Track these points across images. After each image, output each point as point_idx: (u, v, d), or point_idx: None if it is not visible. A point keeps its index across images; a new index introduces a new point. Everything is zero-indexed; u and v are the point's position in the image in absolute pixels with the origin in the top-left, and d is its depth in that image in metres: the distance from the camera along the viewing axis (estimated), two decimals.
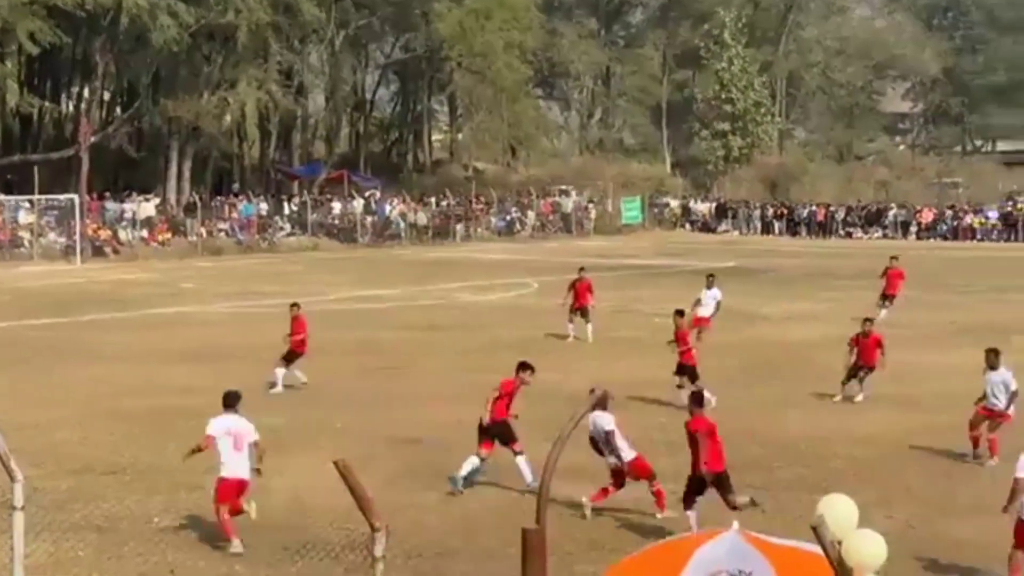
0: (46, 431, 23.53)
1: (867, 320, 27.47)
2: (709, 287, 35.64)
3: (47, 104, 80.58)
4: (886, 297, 39.90)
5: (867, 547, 7.59)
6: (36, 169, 67.01)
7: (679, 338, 26.96)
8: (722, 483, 17.23)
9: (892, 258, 41.49)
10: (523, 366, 20.69)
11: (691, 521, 16.80)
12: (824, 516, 7.57)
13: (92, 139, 71.05)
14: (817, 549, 7.74)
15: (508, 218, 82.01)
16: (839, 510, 7.65)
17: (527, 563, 7.91)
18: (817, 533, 7.54)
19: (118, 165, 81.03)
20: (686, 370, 26.45)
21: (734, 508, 16.77)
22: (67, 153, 73.01)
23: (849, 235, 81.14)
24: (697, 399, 18.07)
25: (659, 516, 17.96)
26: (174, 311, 43.07)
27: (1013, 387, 21.67)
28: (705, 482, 17.14)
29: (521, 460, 19.68)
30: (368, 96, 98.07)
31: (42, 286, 51.51)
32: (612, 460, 18.33)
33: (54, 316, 41.18)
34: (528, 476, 19.42)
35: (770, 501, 18.83)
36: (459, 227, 78.47)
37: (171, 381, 29.18)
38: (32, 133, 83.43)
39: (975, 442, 21.59)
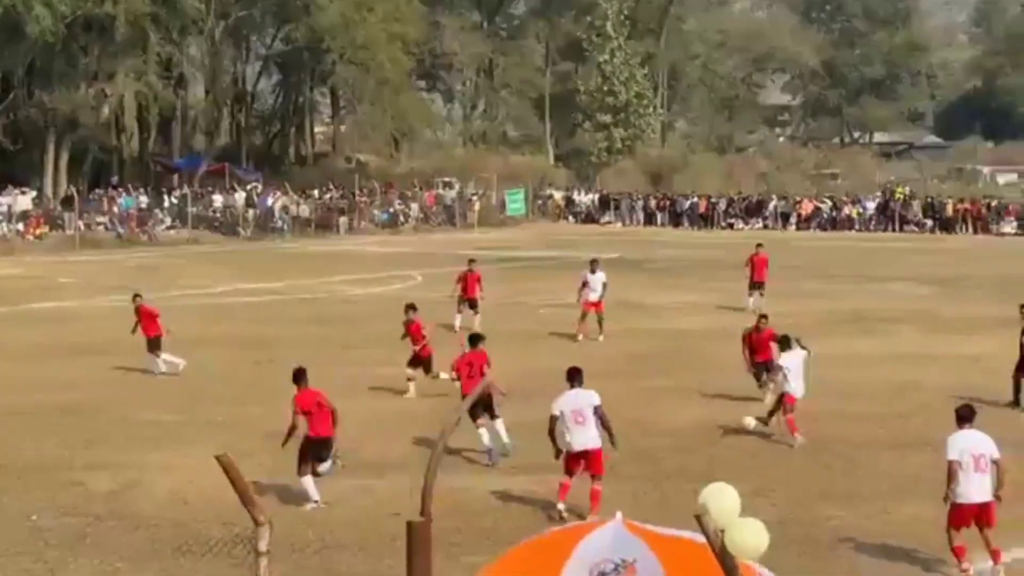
0: None
1: (762, 317, 27.49)
2: (593, 271, 35.95)
3: None
4: (755, 285, 40.08)
5: (749, 535, 7.66)
6: None
7: (413, 333, 26.97)
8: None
9: (757, 245, 41.61)
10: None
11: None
12: (707, 505, 7.62)
13: None
14: (701, 538, 7.80)
15: (391, 211, 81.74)
16: (722, 499, 7.71)
17: (413, 555, 7.90)
18: (700, 522, 7.59)
19: None
20: (422, 363, 26.83)
21: None
22: None
23: (731, 226, 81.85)
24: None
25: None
26: (52, 306, 42.46)
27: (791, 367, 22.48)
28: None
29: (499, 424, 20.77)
30: (249, 88, 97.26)
31: None
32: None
33: None
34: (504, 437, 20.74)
35: (654, 491, 18.99)
36: (342, 220, 78.02)
37: (50, 377, 28.78)
38: None
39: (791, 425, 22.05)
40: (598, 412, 17.93)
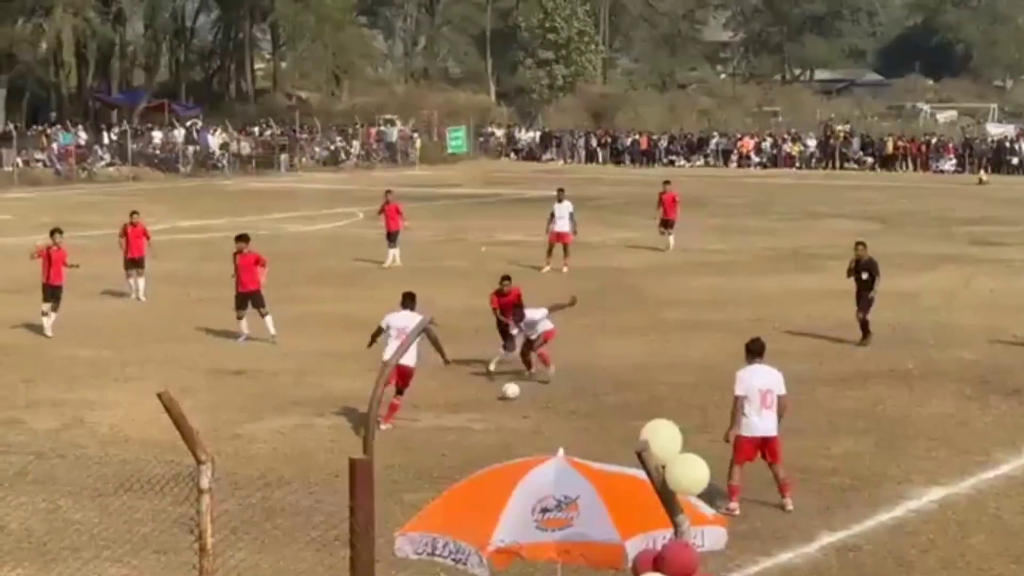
0: None
1: (505, 279, 24.22)
2: (560, 200, 36.08)
3: None
4: (665, 223, 39.80)
5: (690, 471, 7.73)
6: None
7: (242, 265, 26.50)
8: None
9: (665, 183, 41.33)
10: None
11: None
12: (648, 442, 7.69)
13: None
14: (642, 474, 7.87)
15: (332, 148, 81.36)
16: (662, 435, 7.77)
17: (355, 493, 7.93)
18: (641, 458, 7.66)
19: None
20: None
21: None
22: None
23: (672, 163, 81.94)
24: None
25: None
26: None
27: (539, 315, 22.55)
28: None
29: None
30: (188, 23, 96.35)
31: None
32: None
33: None
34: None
35: (595, 427, 19.11)
36: (283, 157, 77.58)
37: None
38: None
39: None
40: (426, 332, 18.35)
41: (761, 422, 15.35)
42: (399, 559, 9.55)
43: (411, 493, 15.03)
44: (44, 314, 26.75)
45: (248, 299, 25.96)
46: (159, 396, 8.36)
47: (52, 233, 28.46)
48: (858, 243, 26.29)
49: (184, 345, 25.28)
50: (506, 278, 23.14)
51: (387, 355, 18.57)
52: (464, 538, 9.02)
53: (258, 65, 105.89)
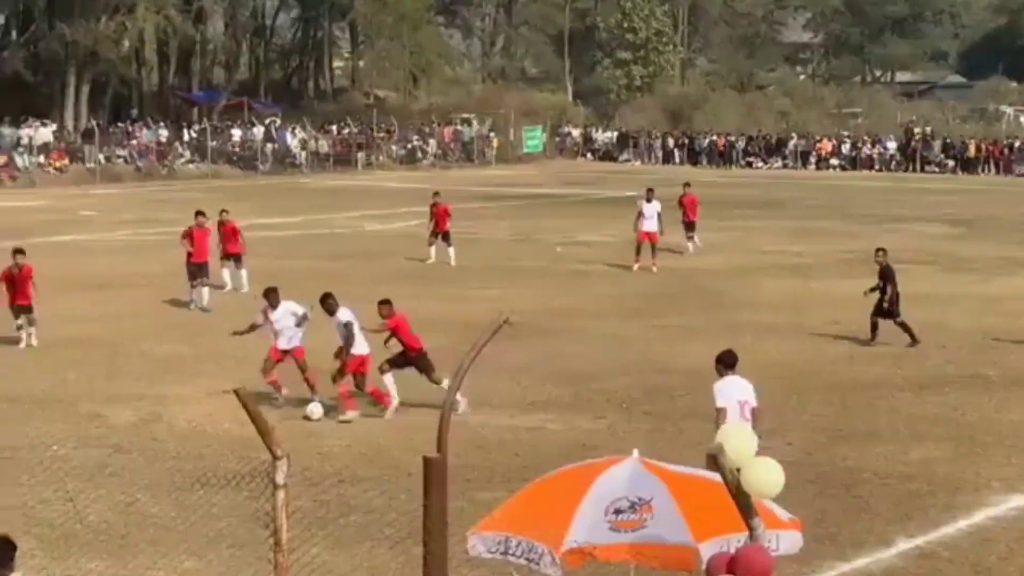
0: None
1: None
2: (649, 200, 36.03)
3: None
4: (687, 226, 39.37)
5: (765, 475, 7.68)
6: None
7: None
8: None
9: (685, 185, 40.87)
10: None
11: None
12: (723, 444, 7.65)
13: None
14: (716, 477, 7.83)
15: (409, 146, 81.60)
16: (738, 438, 7.73)
17: (429, 491, 7.94)
18: (716, 461, 7.62)
19: (14, 90, 79.48)
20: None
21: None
22: None
23: (749, 164, 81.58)
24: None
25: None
26: (73, 239, 42.55)
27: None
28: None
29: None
30: (268, 22, 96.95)
31: None
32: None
33: None
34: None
35: (670, 428, 19.04)
36: (360, 155, 77.90)
37: (70, 310, 28.87)
38: None
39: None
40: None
41: None
42: (472, 557, 9.55)
43: (484, 492, 15.03)
44: (193, 287, 29.26)
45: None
46: (235, 392, 8.41)
47: (197, 214, 30.50)
48: (878, 250, 26.14)
49: (261, 342, 25.40)
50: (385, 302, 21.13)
51: (283, 344, 20.77)
52: (537, 538, 9.01)
53: (337, 64, 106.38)
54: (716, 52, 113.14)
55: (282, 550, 8.68)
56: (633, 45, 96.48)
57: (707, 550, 8.45)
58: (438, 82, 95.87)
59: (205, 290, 29.72)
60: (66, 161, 68.15)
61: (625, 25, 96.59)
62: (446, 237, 36.70)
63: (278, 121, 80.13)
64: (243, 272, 31.60)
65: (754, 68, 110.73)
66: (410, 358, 20.29)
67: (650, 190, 37.08)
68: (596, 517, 8.99)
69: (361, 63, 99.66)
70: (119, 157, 70.71)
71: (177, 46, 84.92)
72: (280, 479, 8.58)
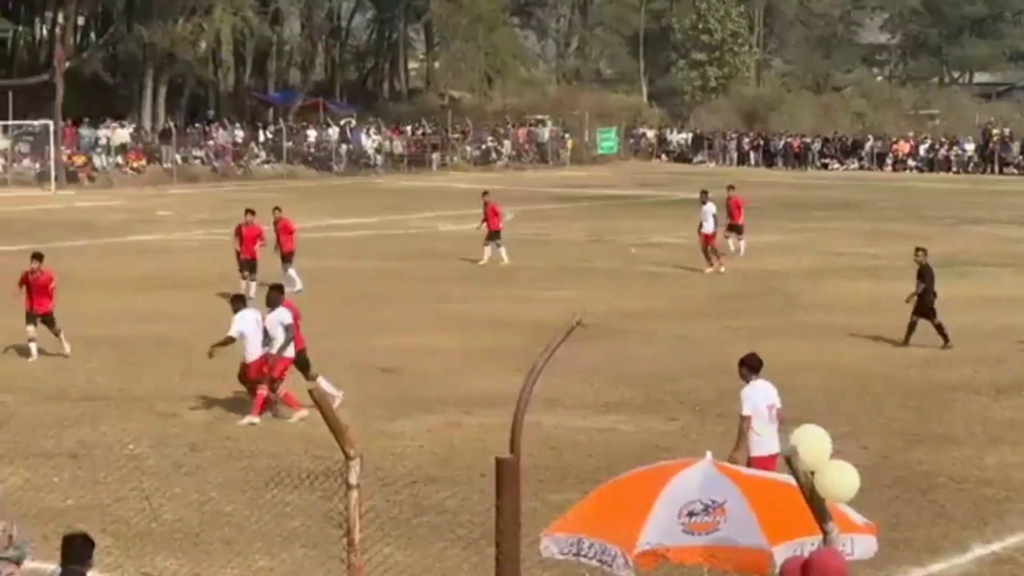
0: (19, 358, 23.49)
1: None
2: (704, 202, 35.92)
3: (21, 28, 79.78)
4: (732, 228, 38.94)
5: (840, 478, 7.63)
6: (10, 94, 66.42)
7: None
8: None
9: (729, 187, 40.37)
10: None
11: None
12: (798, 447, 7.60)
13: (67, 64, 70.41)
14: (791, 480, 7.78)
15: (484, 147, 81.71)
16: (813, 441, 7.68)
17: (502, 492, 7.94)
18: (791, 464, 7.57)
19: (93, 91, 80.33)
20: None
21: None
22: (42, 78, 72.28)
23: (825, 167, 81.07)
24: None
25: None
26: (150, 238, 42.95)
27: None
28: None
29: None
30: (344, 23, 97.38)
31: (15, 212, 51.24)
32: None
33: (27, 243, 40.94)
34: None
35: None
36: (435, 156, 78.11)
37: (146, 308, 29.16)
38: (6, 58, 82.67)
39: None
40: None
41: (771, 439, 14.53)
42: (544, 559, 9.54)
43: (557, 493, 15.02)
44: (243, 278, 29.71)
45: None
46: (309, 392, 8.46)
47: (246, 212, 31.29)
48: (918, 249, 25.87)
49: (333, 342, 25.52)
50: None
51: (248, 358, 19.67)
52: (610, 540, 9.00)
53: (411, 65, 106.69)
54: (792, 53, 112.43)
55: (355, 550, 8.71)
56: (708, 46, 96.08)
57: (781, 553, 8.41)
58: (513, 83, 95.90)
59: (253, 284, 29.66)
60: (143, 161, 68.78)
61: (700, 26, 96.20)
62: (496, 236, 36.80)
63: (353, 122, 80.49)
64: (291, 271, 31.45)
65: (830, 69, 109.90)
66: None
67: (704, 192, 36.92)
68: (669, 519, 8.96)
69: (436, 64, 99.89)
70: (195, 158, 71.29)
71: (253, 47, 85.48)
72: (353, 479, 8.61)
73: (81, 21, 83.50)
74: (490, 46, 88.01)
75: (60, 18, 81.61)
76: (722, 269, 34.96)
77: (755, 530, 8.74)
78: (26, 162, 65.80)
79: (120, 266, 36.14)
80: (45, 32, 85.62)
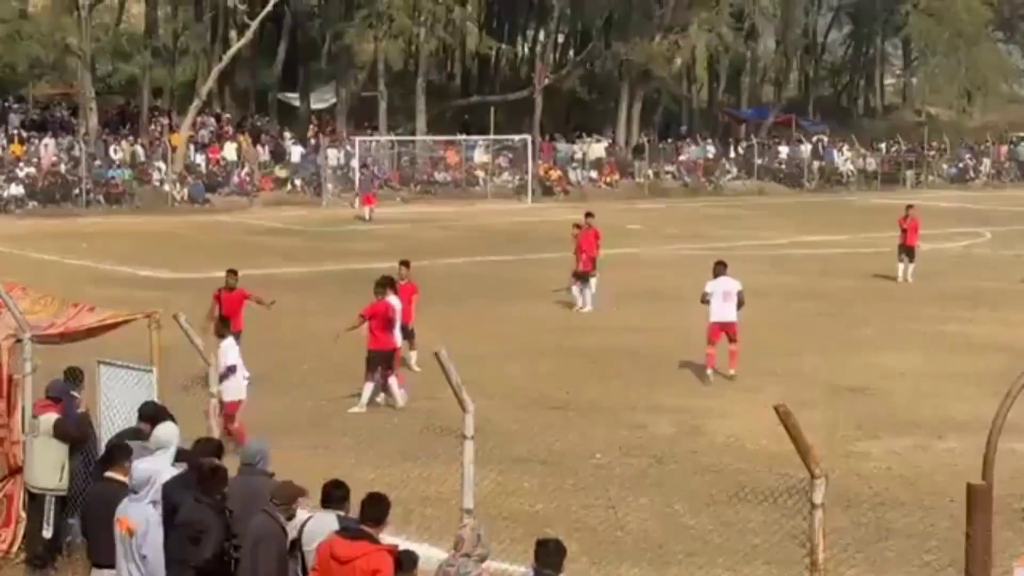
0: (496, 364, 24.29)
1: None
2: None
3: (504, 47, 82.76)
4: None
5: None
6: (492, 110, 69.07)
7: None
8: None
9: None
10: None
11: None
12: None
13: (546, 81, 72.67)
14: None
15: (961, 165, 79.46)
16: None
17: (972, 519, 7.70)
18: None
19: (570, 107, 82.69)
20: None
21: None
22: (522, 95, 74.82)
23: None
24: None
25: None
26: (620, 252, 43.68)
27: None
28: None
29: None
30: (819, 39, 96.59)
31: (494, 224, 53.18)
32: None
33: (504, 253, 42.46)
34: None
35: None
36: (909, 173, 76.51)
37: (616, 320, 29.68)
38: (489, 75, 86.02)
39: None
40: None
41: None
42: None
43: None
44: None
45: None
46: (775, 408, 8.42)
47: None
48: None
49: (803, 359, 25.34)
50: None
51: (213, 387, 14.79)
52: None
53: (887, 80, 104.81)
54: None
55: (818, 570, 8.64)
56: None
57: None
58: (994, 99, 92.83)
59: (588, 292, 31.44)
60: (616, 176, 70.17)
61: None
62: (910, 252, 36.37)
63: (825, 139, 79.77)
64: (587, 292, 31.65)
65: None
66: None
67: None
68: None
69: (913, 80, 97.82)
70: (667, 173, 72.23)
71: (728, 63, 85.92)
72: (818, 498, 8.54)
73: (561, 39, 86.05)
74: (971, 61, 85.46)
75: (541, 36, 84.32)
76: None
77: None
78: (505, 175, 68.16)
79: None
80: (526, 50, 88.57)
